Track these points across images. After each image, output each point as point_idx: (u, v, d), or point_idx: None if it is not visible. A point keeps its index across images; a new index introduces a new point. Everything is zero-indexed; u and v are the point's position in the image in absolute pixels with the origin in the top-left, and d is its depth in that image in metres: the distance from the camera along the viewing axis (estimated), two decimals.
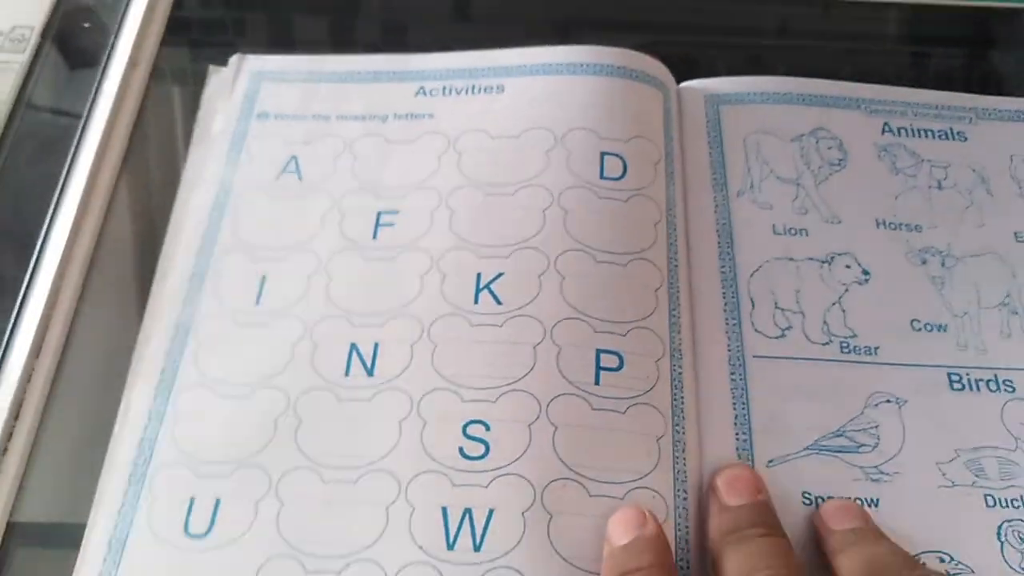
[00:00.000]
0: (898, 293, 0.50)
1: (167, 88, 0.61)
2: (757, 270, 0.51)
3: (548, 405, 0.45)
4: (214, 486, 0.44)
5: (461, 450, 0.44)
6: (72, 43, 0.61)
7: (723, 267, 0.51)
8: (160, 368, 0.48)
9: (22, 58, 0.59)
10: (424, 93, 0.56)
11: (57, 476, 0.47)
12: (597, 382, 0.45)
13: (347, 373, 0.46)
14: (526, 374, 0.45)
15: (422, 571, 0.41)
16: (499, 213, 0.50)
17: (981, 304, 0.51)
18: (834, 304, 0.50)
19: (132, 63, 0.59)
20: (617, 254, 0.49)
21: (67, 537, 0.45)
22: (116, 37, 0.60)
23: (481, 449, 0.44)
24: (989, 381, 0.48)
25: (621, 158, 0.52)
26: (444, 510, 0.42)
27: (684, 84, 0.57)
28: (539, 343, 0.46)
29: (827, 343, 0.49)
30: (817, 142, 0.55)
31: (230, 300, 0.49)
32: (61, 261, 0.51)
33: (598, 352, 0.46)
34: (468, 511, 0.42)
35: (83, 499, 0.45)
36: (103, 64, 0.59)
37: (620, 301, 0.48)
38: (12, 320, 0.49)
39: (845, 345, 0.49)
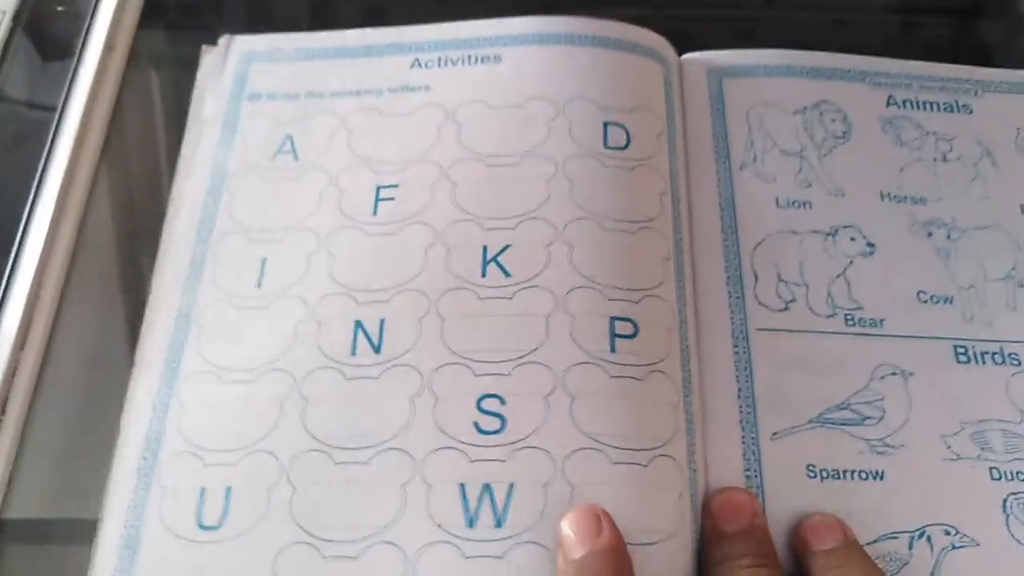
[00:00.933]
0: (903, 265, 0.50)
1: (145, 72, 0.60)
2: (760, 243, 0.50)
3: (564, 375, 0.44)
4: (223, 475, 0.43)
5: (476, 425, 0.43)
6: (46, 27, 0.59)
7: (726, 240, 0.50)
8: (164, 359, 0.47)
9: None
10: (419, 65, 0.55)
11: (47, 471, 0.46)
12: (613, 350, 0.45)
13: (353, 352, 0.45)
14: (540, 345, 0.45)
15: (443, 551, 0.40)
16: (502, 184, 0.49)
17: (987, 276, 0.50)
18: (838, 276, 0.50)
19: (108, 47, 0.58)
20: (626, 222, 0.48)
21: (60, 533, 0.45)
22: (91, 20, 0.59)
23: (497, 423, 0.43)
24: (995, 354, 0.48)
25: (624, 128, 0.51)
26: (462, 487, 0.42)
27: (686, 56, 0.56)
28: (551, 313, 0.45)
29: (831, 315, 0.49)
30: (821, 115, 0.54)
31: (230, 285, 0.48)
32: (42, 253, 0.50)
33: (612, 320, 0.45)
34: (487, 487, 0.41)
35: (75, 493, 0.45)
36: (79, 48, 0.58)
37: (632, 269, 0.47)
38: None
39: (850, 317, 0.48)
